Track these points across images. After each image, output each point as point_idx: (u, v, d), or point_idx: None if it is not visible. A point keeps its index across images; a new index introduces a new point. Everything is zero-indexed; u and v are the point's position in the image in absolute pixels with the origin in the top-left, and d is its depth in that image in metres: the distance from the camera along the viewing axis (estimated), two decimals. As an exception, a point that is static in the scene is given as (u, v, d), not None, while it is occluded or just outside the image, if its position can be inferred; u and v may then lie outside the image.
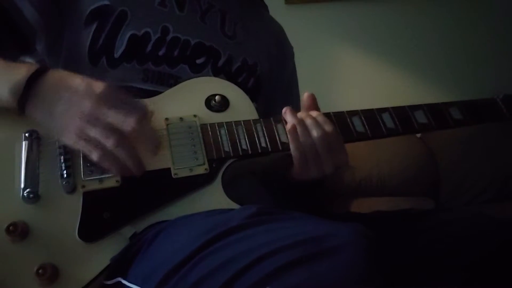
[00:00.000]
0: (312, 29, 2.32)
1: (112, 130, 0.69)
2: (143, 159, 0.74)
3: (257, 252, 0.58)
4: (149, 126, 0.73)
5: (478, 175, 2.02)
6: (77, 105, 0.69)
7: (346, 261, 0.54)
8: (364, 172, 1.98)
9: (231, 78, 0.93)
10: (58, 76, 0.73)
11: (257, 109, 0.87)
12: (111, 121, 0.69)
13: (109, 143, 0.69)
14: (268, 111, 0.95)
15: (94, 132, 0.69)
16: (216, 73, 0.92)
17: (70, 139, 0.70)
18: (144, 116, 0.72)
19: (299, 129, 0.78)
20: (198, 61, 0.91)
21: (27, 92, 0.70)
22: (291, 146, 0.79)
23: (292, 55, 1.13)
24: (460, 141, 2.07)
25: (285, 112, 0.81)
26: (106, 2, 0.86)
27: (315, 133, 0.78)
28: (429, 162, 2.09)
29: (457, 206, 1.94)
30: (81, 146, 0.70)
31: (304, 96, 0.84)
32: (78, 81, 0.71)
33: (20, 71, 0.72)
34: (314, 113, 0.81)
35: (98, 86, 0.70)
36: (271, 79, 1.03)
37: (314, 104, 0.83)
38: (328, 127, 0.78)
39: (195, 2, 0.94)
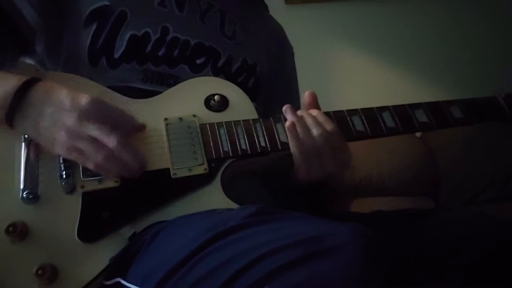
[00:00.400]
0: (312, 29, 2.32)
1: (99, 143, 0.69)
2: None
3: (257, 252, 0.58)
4: (131, 145, 0.72)
5: (478, 175, 2.02)
6: (61, 120, 0.69)
7: (345, 260, 0.54)
8: (364, 172, 1.98)
9: (231, 78, 0.93)
10: (45, 89, 0.72)
11: (256, 109, 0.86)
12: (95, 136, 0.69)
13: (99, 156, 0.69)
14: (268, 111, 0.95)
15: (83, 146, 0.69)
16: (216, 73, 0.92)
17: (62, 152, 0.71)
18: (129, 130, 0.73)
19: (298, 128, 0.77)
20: (198, 61, 0.91)
21: (15, 105, 0.70)
22: (291, 144, 0.78)
23: (292, 54, 1.13)
24: (460, 141, 2.07)
25: (285, 110, 0.80)
26: (106, 3, 0.86)
27: (315, 131, 0.77)
28: (429, 162, 2.08)
29: (457, 206, 1.93)
30: (74, 157, 0.71)
31: (305, 94, 0.84)
32: (63, 95, 0.70)
33: (9, 83, 0.71)
34: (314, 112, 0.80)
35: (82, 100, 0.70)
36: (271, 79, 1.03)
37: (314, 103, 0.83)
38: (329, 126, 0.78)
39: (194, 3, 0.94)
